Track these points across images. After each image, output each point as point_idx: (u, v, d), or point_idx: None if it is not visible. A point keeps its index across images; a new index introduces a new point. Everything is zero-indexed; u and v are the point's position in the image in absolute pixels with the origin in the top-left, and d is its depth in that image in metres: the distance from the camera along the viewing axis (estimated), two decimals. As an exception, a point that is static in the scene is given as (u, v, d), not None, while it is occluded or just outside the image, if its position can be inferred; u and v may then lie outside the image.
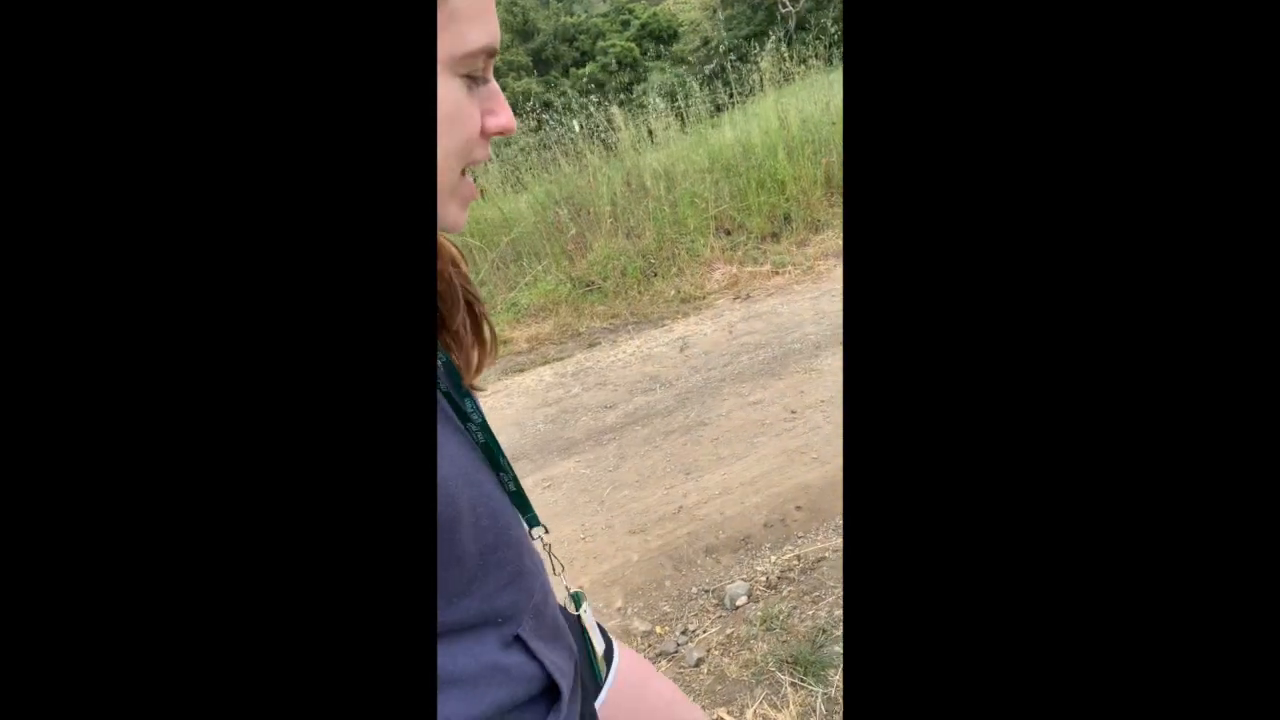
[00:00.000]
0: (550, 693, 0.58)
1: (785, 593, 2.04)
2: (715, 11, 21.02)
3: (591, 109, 6.02)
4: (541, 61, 21.28)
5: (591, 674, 0.71)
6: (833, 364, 3.28)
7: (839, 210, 5.14)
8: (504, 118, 0.45)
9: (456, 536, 0.48)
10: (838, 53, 6.02)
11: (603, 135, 5.86)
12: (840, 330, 3.58)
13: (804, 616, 1.91)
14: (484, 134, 0.45)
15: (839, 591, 1.96)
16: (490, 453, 0.55)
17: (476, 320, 0.57)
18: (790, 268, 4.70)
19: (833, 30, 6.15)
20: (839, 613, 1.88)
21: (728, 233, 5.29)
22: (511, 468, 0.56)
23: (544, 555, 0.65)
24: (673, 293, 4.78)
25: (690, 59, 17.50)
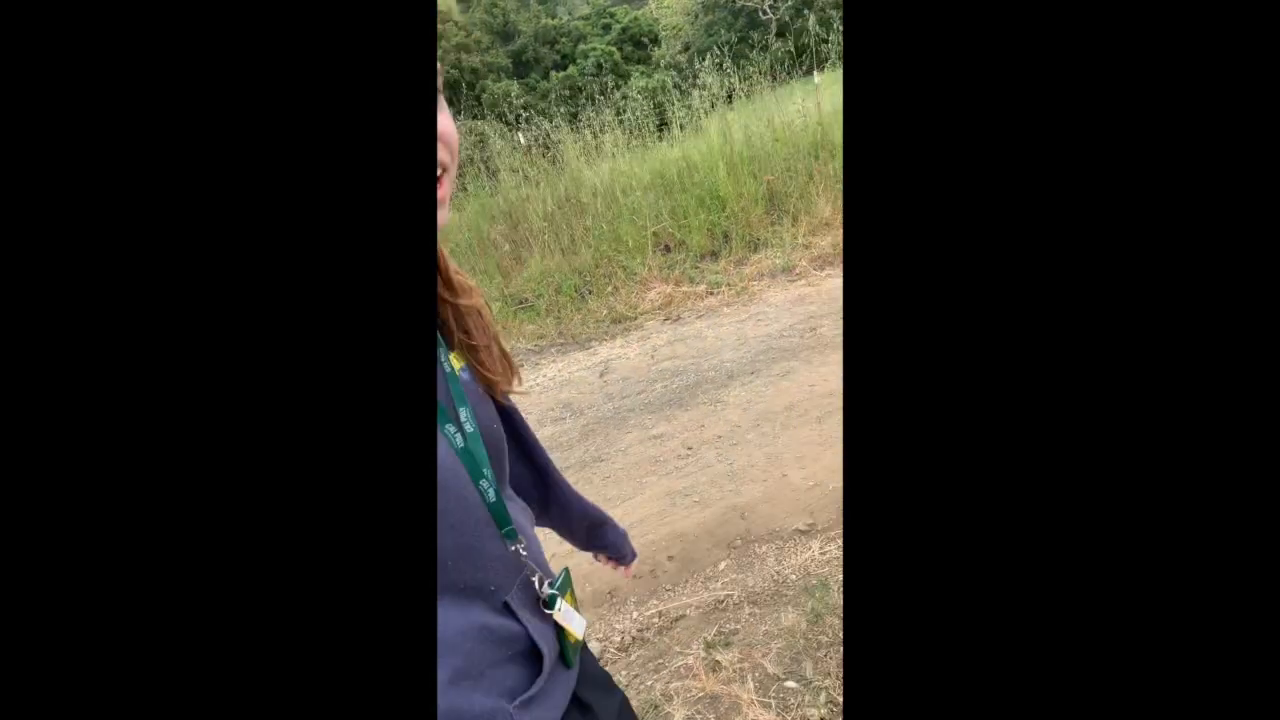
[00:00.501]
0: (534, 657, 0.64)
1: (634, 657, 1.93)
2: (696, 17, 20.93)
3: (533, 120, 5.90)
4: (522, 64, 21.14)
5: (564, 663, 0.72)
6: (739, 395, 3.18)
7: (779, 229, 5.05)
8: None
9: (458, 505, 0.57)
10: (781, 70, 5.92)
11: (545, 147, 5.74)
12: (755, 358, 3.49)
13: (642, 688, 1.80)
14: None
15: (684, 659, 1.85)
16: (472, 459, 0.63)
17: (503, 353, 0.70)
18: (724, 288, 4.60)
19: (775, 47, 6.05)
20: (675, 684, 1.77)
21: (668, 249, 5.18)
22: (493, 476, 0.63)
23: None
24: (605, 312, 4.67)
25: (669, 64, 17.45)
